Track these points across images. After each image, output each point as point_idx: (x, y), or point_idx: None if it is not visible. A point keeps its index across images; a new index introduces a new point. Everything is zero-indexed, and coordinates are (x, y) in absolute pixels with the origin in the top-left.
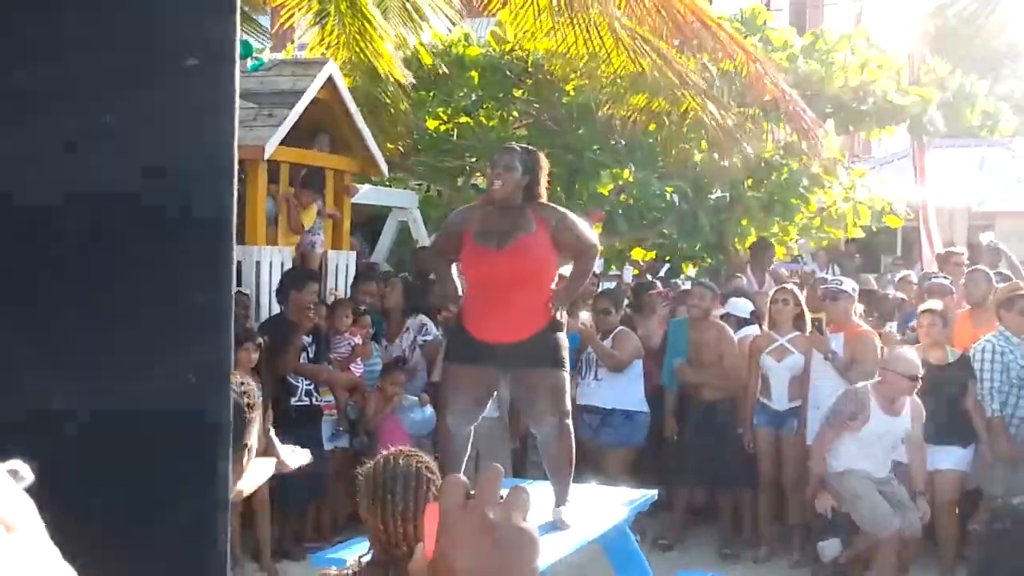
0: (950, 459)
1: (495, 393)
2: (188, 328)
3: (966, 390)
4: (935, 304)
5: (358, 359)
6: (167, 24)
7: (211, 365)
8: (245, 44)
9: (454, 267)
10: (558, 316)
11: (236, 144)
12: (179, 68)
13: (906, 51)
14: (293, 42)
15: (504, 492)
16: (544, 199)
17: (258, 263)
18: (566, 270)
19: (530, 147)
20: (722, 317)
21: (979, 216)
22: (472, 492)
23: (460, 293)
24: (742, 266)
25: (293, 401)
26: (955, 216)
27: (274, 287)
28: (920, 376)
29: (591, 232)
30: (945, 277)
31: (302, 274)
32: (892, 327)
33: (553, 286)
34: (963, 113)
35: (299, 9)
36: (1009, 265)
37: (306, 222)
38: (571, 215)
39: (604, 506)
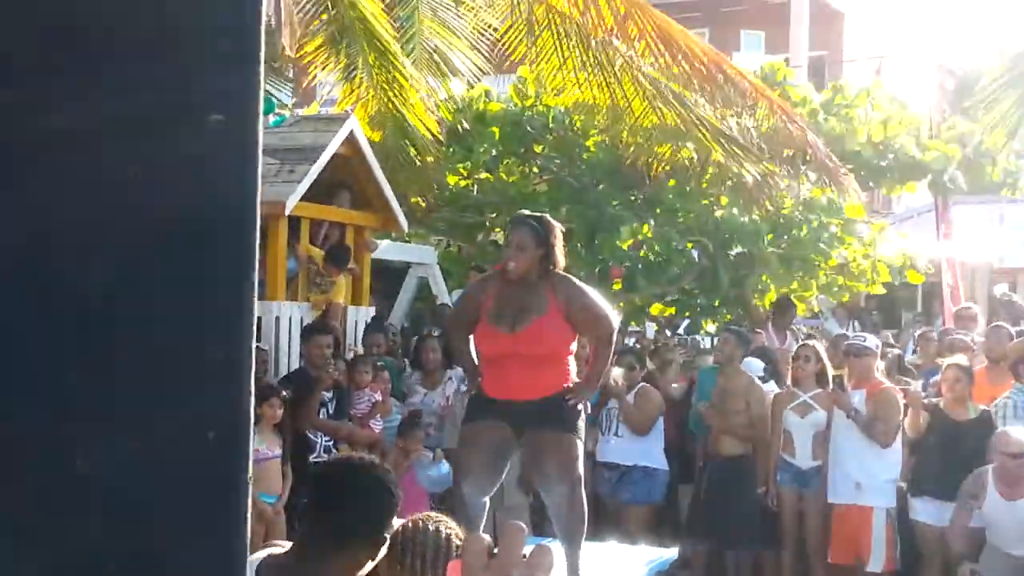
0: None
1: (510, 458)
2: (207, 385)
3: (988, 446)
4: (961, 359)
5: (378, 415)
6: (192, 78)
7: (231, 422)
8: (267, 100)
9: (471, 340)
10: (579, 407)
11: (259, 201)
12: (204, 123)
13: (926, 106)
14: (319, 99)
15: (527, 550)
16: (560, 267)
17: (277, 319)
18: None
19: (543, 216)
20: None
21: (1001, 272)
22: (495, 550)
23: (478, 368)
24: (763, 322)
25: (312, 458)
26: (977, 272)
27: (294, 343)
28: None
29: (607, 311)
30: (965, 333)
31: (310, 326)
32: (917, 385)
33: (571, 359)
34: (984, 170)
35: (324, 68)
36: (1022, 316)
37: (336, 295)
38: (587, 292)
39: (623, 566)
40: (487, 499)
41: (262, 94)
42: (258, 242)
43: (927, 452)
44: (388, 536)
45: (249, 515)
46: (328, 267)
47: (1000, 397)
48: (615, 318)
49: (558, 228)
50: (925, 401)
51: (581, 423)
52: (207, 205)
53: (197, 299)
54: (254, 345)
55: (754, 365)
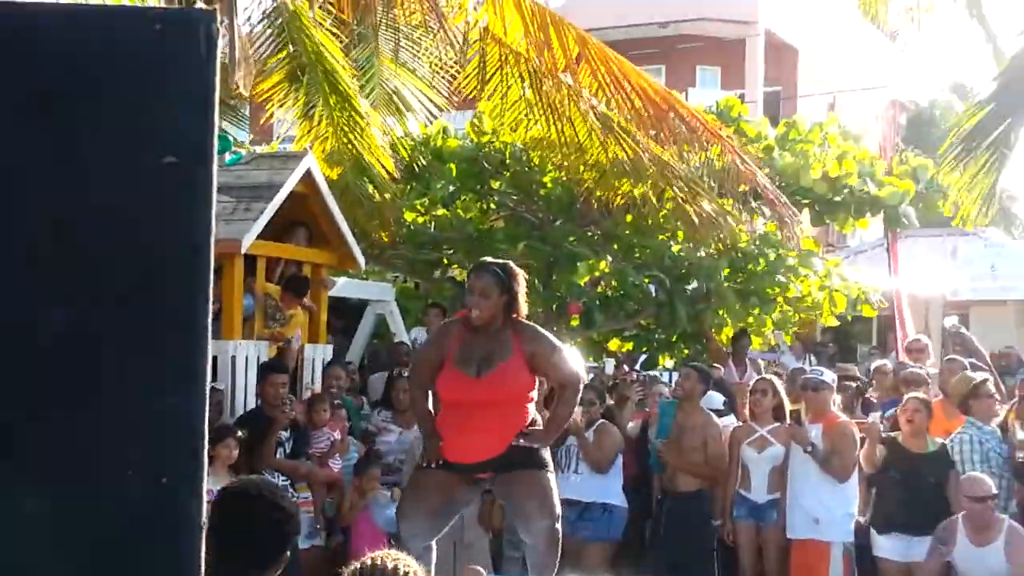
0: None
1: (462, 505)
2: (160, 429)
3: (946, 479)
4: (922, 392)
5: (336, 455)
6: (145, 119)
7: (184, 467)
8: (223, 138)
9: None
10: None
11: (213, 243)
12: (157, 165)
13: (878, 141)
14: (277, 137)
15: None
16: (523, 314)
17: (233, 358)
18: None
19: (506, 263)
20: None
21: (954, 305)
22: None
23: (436, 433)
24: (723, 357)
25: None
26: (930, 305)
27: (250, 382)
28: (992, 496)
29: (573, 362)
30: (920, 367)
31: (265, 365)
32: (875, 417)
33: (532, 406)
34: (935, 204)
35: (281, 105)
36: (971, 349)
37: (289, 333)
38: (550, 340)
39: None
40: (431, 544)
41: (216, 134)
42: (212, 282)
43: (887, 487)
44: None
45: (203, 559)
46: (287, 297)
47: (955, 432)
48: (583, 371)
49: (521, 275)
50: (883, 435)
51: (548, 457)
52: (160, 248)
53: (149, 344)
54: (207, 389)
55: (715, 398)
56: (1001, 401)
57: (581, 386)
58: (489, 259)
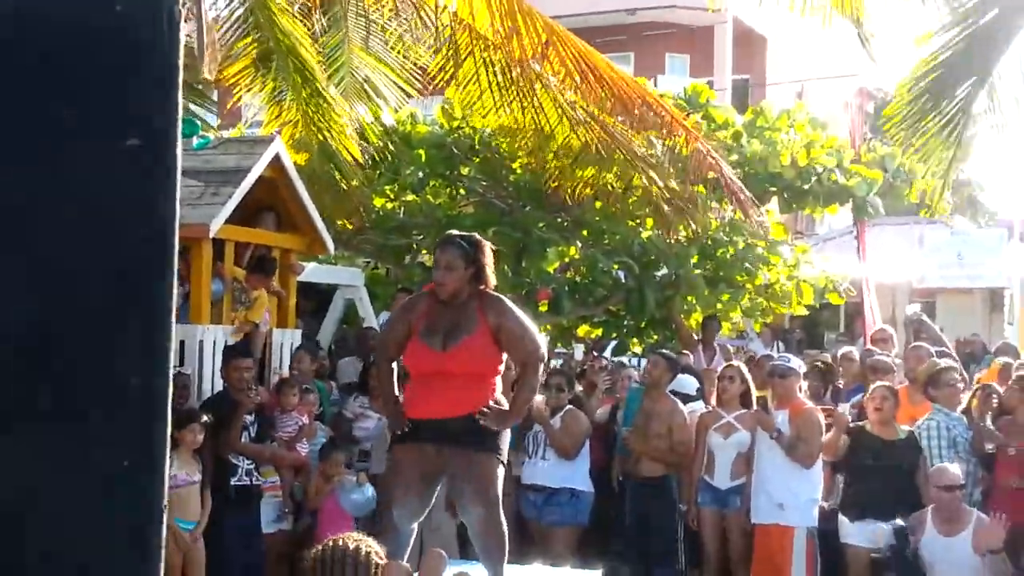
0: None
1: (439, 481)
2: (122, 412)
3: (916, 466)
4: (889, 381)
5: (304, 439)
6: (108, 102)
7: (146, 450)
8: (190, 122)
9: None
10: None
11: (177, 225)
12: (121, 148)
13: (847, 129)
14: (244, 121)
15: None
16: (491, 286)
17: (201, 342)
18: None
19: (472, 235)
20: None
21: (921, 293)
22: None
23: (399, 403)
24: (693, 343)
25: (233, 481)
26: (897, 292)
27: (218, 367)
28: (960, 485)
29: (537, 337)
30: (887, 354)
31: (229, 350)
32: (844, 408)
33: (498, 380)
34: (902, 192)
35: (249, 90)
36: (932, 337)
37: (255, 316)
38: (518, 316)
39: None
40: (416, 525)
41: (180, 118)
42: (176, 266)
43: (858, 474)
44: None
45: (164, 542)
46: (253, 277)
47: (922, 419)
48: (544, 345)
49: (487, 247)
50: (851, 424)
51: (504, 442)
52: (123, 230)
53: (111, 326)
54: (171, 371)
55: (688, 383)
56: (965, 388)
57: (541, 365)
58: (455, 232)
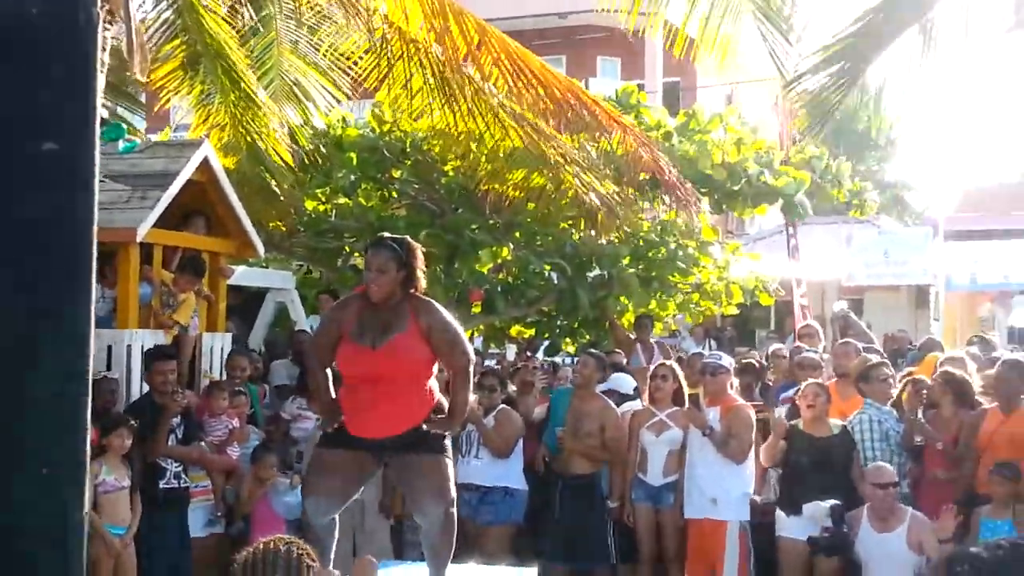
0: None
1: (365, 482)
2: (39, 419)
3: (851, 460)
4: (817, 376)
5: (235, 443)
6: (24, 105)
7: (66, 457)
8: (116, 126)
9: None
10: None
11: (95, 230)
12: (37, 151)
13: (776, 132)
14: (173, 125)
15: None
16: (422, 289)
17: (129, 347)
18: None
19: (404, 238)
20: (605, 393)
21: (849, 290)
22: None
23: (335, 404)
24: (629, 343)
25: (161, 484)
26: (826, 290)
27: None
28: (894, 483)
29: (462, 338)
30: (815, 351)
31: (151, 353)
32: (780, 412)
33: (432, 382)
34: (829, 192)
35: (177, 93)
36: (857, 332)
37: (181, 318)
38: (448, 321)
39: None
40: (336, 519)
41: (98, 120)
42: (94, 268)
43: (794, 472)
44: None
45: (85, 552)
46: (184, 278)
47: (854, 413)
48: (471, 351)
49: (419, 250)
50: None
51: (448, 443)
52: (39, 233)
53: (29, 332)
54: (90, 377)
55: (625, 381)
56: (894, 383)
57: (471, 368)
58: (387, 235)
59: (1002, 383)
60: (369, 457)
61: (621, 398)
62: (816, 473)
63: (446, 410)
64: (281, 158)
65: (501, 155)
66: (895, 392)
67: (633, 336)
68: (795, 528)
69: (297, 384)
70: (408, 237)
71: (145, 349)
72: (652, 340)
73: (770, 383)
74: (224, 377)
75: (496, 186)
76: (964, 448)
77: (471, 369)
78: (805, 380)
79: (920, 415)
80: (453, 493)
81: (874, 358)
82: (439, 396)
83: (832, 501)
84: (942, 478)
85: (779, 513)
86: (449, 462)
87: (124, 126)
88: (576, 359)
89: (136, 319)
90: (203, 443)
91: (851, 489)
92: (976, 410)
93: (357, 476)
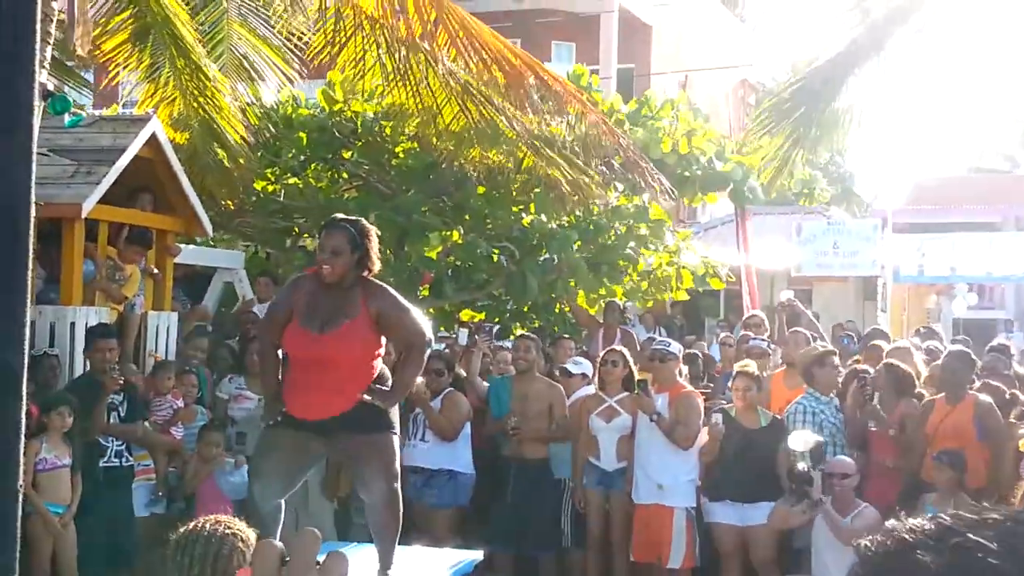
0: (760, 515)
1: (312, 464)
2: None
3: (776, 452)
4: (751, 367)
5: (179, 423)
6: None
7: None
8: (62, 99)
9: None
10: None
11: (32, 200)
12: None
13: (727, 120)
14: (121, 100)
15: (321, 558)
16: (376, 271)
17: (73, 324)
18: None
19: (358, 220)
20: (562, 374)
21: (798, 281)
22: (287, 558)
23: (281, 389)
24: (594, 323)
25: (102, 463)
26: (776, 280)
27: None
28: (851, 474)
29: (423, 324)
30: (763, 339)
31: (92, 331)
32: (717, 418)
33: (378, 363)
34: (776, 183)
35: (126, 66)
36: (805, 322)
37: (128, 291)
38: (402, 305)
39: (428, 569)
40: (282, 502)
41: (37, 93)
42: (32, 244)
43: (722, 458)
44: None
45: (18, 528)
46: (130, 250)
47: (790, 403)
48: (429, 332)
49: (373, 232)
50: (726, 405)
51: (395, 417)
52: None
53: None
54: (27, 345)
55: (584, 364)
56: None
57: (427, 347)
58: (341, 216)
59: (948, 374)
60: (315, 439)
61: (571, 382)
62: (737, 461)
63: (388, 382)
64: (237, 132)
65: (457, 131)
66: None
67: (601, 320)
68: (722, 514)
69: (235, 362)
70: (363, 220)
71: (89, 327)
72: (617, 326)
73: (716, 373)
74: (172, 357)
75: (454, 163)
76: (912, 438)
77: (426, 349)
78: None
79: (877, 402)
80: (397, 469)
81: (820, 345)
82: (382, 368)
83: (818, 438)
84: (890, 466)
85: (703, 499)
86: (395, 439)
87: (70, 99)
88: (513, 344)
89: (80, 296)
90: (146, 422)
91: (775, 479)
92: (923, 401)
93: (304, 459)
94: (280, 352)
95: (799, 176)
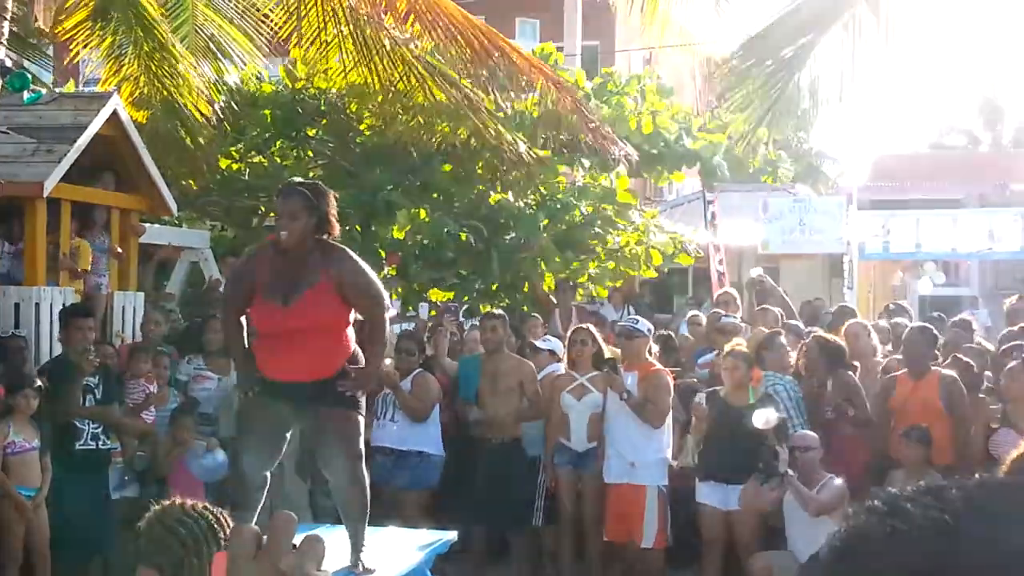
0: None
1: (288, 436)
2: None
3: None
4: (740, 345)
5: (151, 406)
6: None
7: None
8: (21, 75)
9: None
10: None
11: None
12: None
13: (692, 97)
14: (82, 77)
15: (298, 540)
16: (336, 233)
17: (38, 304)
18: None
19: (316, 183)
20: (531, 351)
21: (765, 258)
22: (264, 540)
23: (251, 361)
24: (551, 305)
25: (78, 445)
26: (743, 257)
27: (55, 329)
28: (815, 447)
29: (378, 288)
30: (732, 316)
31: (69, 309)
32: (701, 397)
33: (350, 333)
34: (745, 159)
35: (87, 44)
36: (775, 298)
37: (82, 263)
38: (361, 270)
39: (402, 550)
40: (267, 477)
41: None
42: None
43: (708, 438)
44: None
45: None
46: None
47: (769, 384)
48: (387, 299)
49: (331, 195)
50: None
51: (362, 399)
52: None
53: None
54: None
55: (553, 341)
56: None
57: (387, 310)
58: (298, 179)
59: (910, 348)
60: (288, 410)
61: (540, 360)
62: (728, 441)
63: (362, 360)
64: (199, 111)
65: (418, 106)
66: (792, 360)
67: (554, 300)
68: (709, 495)
69: (194, 343)
70: (320, 183)
71: (54, 307)
72: (572, 305)
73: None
74: (139, 337)
75: (415, 136)
76: (875, 413)
77: (386, 317)
78: (724, 345)
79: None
80: (360, 448)
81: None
82: (355, 346)
83: (779, 415)
84: (850, 432)
85: (697, 481)
86: (360, 418)
87: (29, 75)
88: (480, 323)
89: (44, 276)
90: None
91: (767, 457)
92: (888, 375)
93: (284, 427)
94: (245, 323)
95: (763, 154)
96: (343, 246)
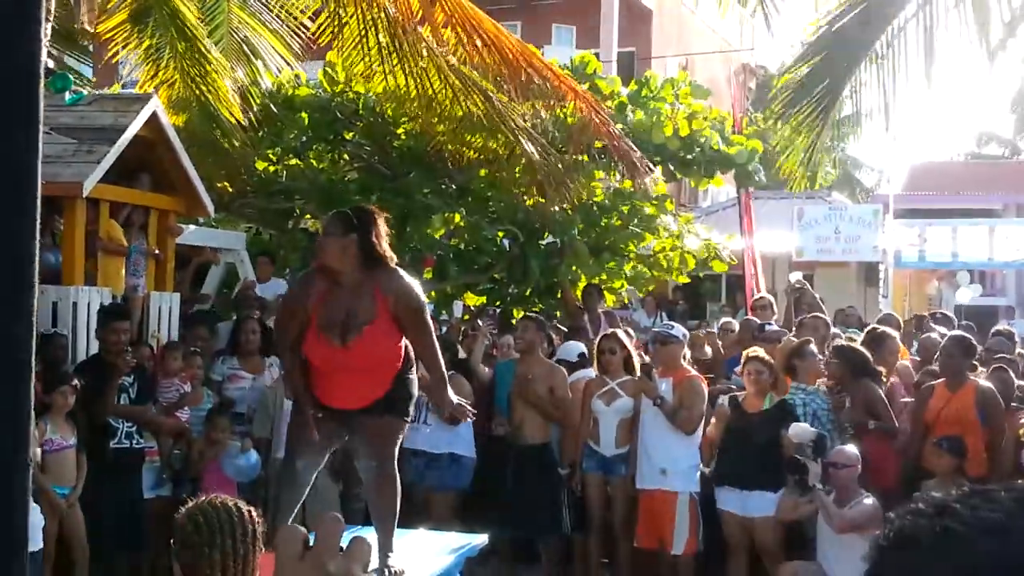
0: (760, 503)
1: (334, 445)
2: None
3: (778, 437)
4: (760, 352)
5: (185, 406)
6: None
7: (9, 398)
8: (63, 76)
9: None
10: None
11: (39, 173)
12: None
13: (729, 104)
14: (119, 79)
15: (343, 542)
16: (386, 254)
17: (75, 304)
18: None
19: (363, 206)
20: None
21: (799, 266)
22: (310, 542)
23: (309, 394)
24: (578, 311)
25: (112, 444)
26: (777, 264)
27: (92, 328)
28: (854, 464)
29: (427, 320)
30: (769, 324)
31: (106, 310)
32: (723, 400)
33: (403, 343)
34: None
35: (126, 46)
36: (812, 304)
37: (114, 234)
38: (414, 299)
39: (432, 553)
40: (312, 477)
41: (42, 70)
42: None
43: (725, 444)
44: None
45: (29, 496)
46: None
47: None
48: (431, 325)
49: (379, 218)
50: (736, 392)
51: (411, 405)
52: None
53: None
54: (35, 317)
55: (571, 349)
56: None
57: (439, 352)
58: (348, 209)
59: (947, 360)
60: (335, 424)
61: (570, 368)
62: (740, 447)
63: (412, 363)
64: (232, 115)
65: (455, 118)
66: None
67: (581, 306)
68: (726, 501)
69: (228, 342)
70: (368, 206)
71: (92, 307)
72: (601, 310)
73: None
74: (176, 338)
75: (450, 147)
76: (910, 424)
77: (439, 354)
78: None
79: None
80: (392, 451)
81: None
82: (406, 347)
83: (817, 431)
84: (872, 428)
85: (716, 487)
86: (398, 422)
87: (71, 76)
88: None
89: (82, 276)
90: (156, 404)
91: (775, 462)
92: (924, 386)
93: (333, 436)
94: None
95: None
96: (395, 271)
